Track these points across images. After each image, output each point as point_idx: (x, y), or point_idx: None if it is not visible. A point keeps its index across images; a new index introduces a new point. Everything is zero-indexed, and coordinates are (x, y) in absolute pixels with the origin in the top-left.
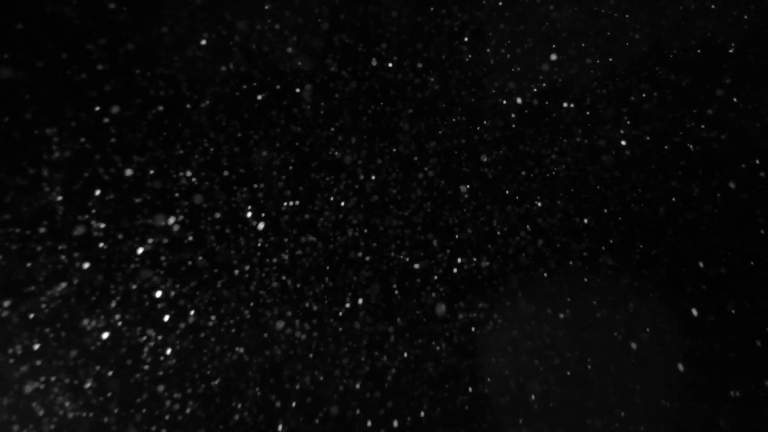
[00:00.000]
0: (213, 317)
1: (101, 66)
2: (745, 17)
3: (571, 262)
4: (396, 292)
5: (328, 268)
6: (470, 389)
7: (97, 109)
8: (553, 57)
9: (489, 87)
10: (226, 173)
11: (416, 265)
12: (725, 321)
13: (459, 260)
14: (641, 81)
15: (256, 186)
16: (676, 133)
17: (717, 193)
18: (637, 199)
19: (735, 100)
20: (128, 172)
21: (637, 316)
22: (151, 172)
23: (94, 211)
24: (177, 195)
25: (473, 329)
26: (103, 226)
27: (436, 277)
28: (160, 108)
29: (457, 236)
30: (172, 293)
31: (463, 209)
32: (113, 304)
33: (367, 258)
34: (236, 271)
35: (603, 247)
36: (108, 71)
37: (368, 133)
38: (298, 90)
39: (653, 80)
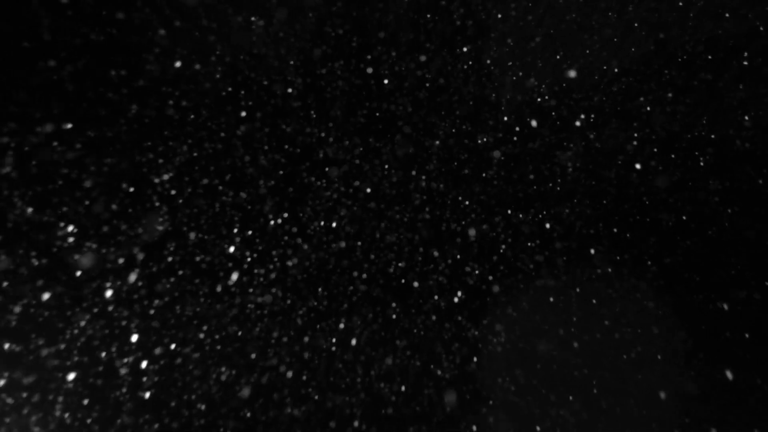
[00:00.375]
0: (195, 335)
1: (67, 58)
2: (755, 16)
3: (581, 276)
4: (395, 310)
5: (320, 287)
6: (474, 417)
7: (65, 106)
8: (561, 52)
9: (493, 83)
10: (206, 179)
11: (416, 284)
12: (755, 345)
13: (461, 272)
14: (651, 79)
15: (242, 192)
16: (694, 134)
17: (742, 202)
18: (656, 206)
19: (751, 99)
20: (99, 174)
21: (656, 337)
22: (126, 175)
23: (63, 217)
24: (157, 203)
25: (477, 350)
26: (72, 233)
27: (437, 297)
28: (134, 107)
29: (459, 246)
30: (152, 311)
31: (466, 217)
32: (83, 322)
33: (364, 275)
34: (219, 287)
35: (610, 267)
36: (75, 64)
37: (363, 132)
38: (290, 90)
39: (667, 79)
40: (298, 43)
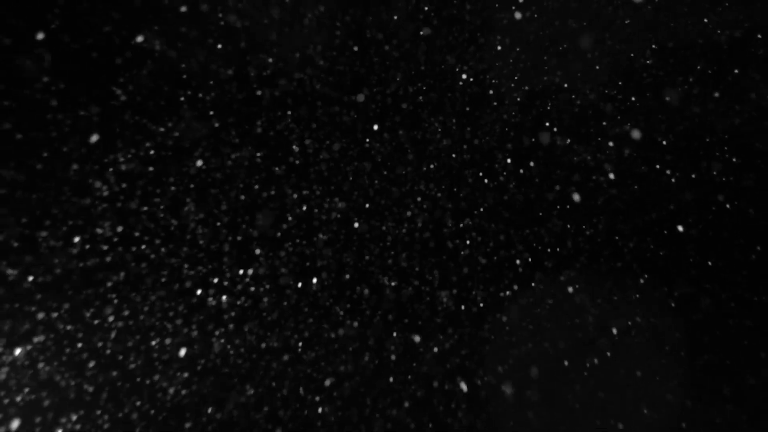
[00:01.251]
0: (155, 376)
1: None
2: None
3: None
4: (390, 353)
5: (300, 325)
6: None
7: None
8: (573, 47)
9: (499, 77)
10: (162, 187)
11: (416, 338)
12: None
13: (466, 298)
14: (672, 75)
15: (205, 205)
16: (716, 136)
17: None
18: (679, 214)
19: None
20: (29, 181)
21: (681, 372)
22: (64, 181)
23: None
24: (101, 215)
25: (480, 381)
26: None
27: (440, 335)
28: (51, 104)
29: (463, 268)
30: (90, 369)
31: (471, 231)
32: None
33: (351, 309)
34: (179, 322)
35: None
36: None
37: (351, 132)
38: (273, 94)
39: (686, 77)
40: (276, 28)
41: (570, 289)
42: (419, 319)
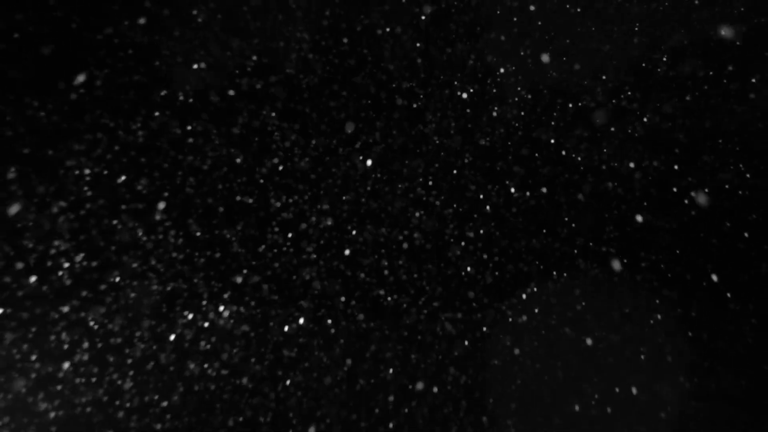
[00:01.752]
0: (126, 407)
1: None
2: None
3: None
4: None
5: (293, 326)
6: None
7: None
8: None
9: (493, 84)
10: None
11: (419, 388)
12: None
13: (468, 318)
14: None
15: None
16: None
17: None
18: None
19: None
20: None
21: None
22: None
23: None
24: (59, 224)
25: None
26: None
27: (439, 355)
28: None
29: (464, 283)
30: (72, 383)
31: (474, 244)
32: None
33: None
34: (155, 347)
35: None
36: None
37: (341, 131)
38: (253, 89)
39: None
40: (258, 15)
41: (575, 297)
42: (418, 334)
